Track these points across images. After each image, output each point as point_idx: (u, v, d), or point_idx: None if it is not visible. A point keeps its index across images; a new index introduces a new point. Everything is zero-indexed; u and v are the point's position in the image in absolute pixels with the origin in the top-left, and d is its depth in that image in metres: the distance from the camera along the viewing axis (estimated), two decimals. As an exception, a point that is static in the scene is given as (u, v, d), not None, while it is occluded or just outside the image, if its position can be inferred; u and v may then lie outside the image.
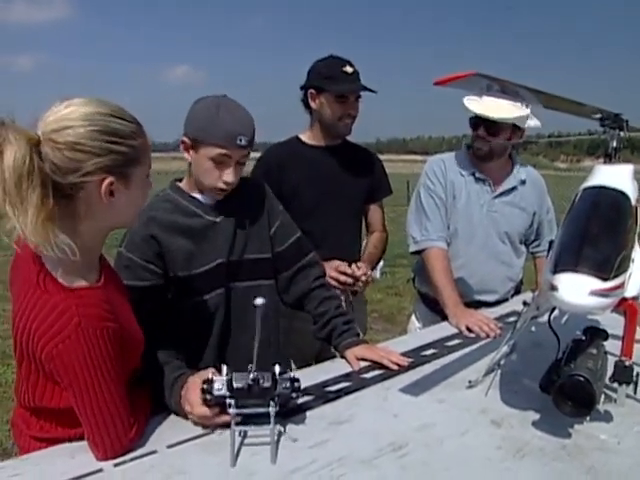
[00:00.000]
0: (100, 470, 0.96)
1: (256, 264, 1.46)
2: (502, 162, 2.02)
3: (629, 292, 1.08)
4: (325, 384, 1.32)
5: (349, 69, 1.87)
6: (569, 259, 1.00)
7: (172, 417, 1.16)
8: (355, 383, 1.33)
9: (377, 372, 1.39)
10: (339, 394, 1.27)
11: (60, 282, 0.92)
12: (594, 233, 1.05)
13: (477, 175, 2.00)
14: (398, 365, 1.40)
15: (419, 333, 1.77)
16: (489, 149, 1.94)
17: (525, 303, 1.41)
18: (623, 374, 1.11)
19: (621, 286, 1.01)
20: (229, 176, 1.34)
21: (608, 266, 0.99)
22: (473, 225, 2.00)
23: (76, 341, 0.89)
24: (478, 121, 1.91)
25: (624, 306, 1.09)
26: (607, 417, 1.15)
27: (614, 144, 1.25)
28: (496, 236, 2.02)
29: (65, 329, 0.88)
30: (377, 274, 7.39)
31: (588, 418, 1.08)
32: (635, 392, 1.14)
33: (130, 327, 1.05)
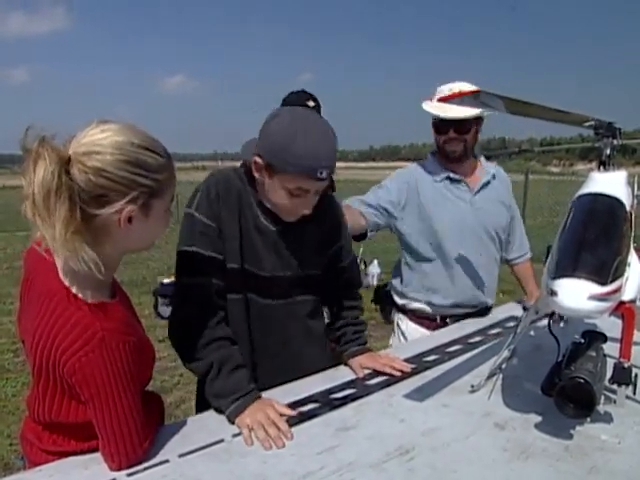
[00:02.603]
0: (113, 480, 0.98)
1: (305, 280, 1.44)
2: (470, 160, 2.03)
3: (626, 296, 1.11)
4: (330, 391, 1.34)
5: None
6: (568, 265, 1.03)
7: (181, 425, 1.18)
8: (360, 390, 1.35)
9: (381, 378, 1.41)
10: (345, 401, 1.29)
11: (81, 297, 0.94)
12: (591, 239, 1.08)
13: (452, 177, 1.99)
14: (401, 371, 1.42)
15: (420, 339, 1.79)
16: (463, 148, 1.94)
17: (525, 308, 1.44)
18: (622, 375, 1.14)
19: (618, 290, 1.04)
20: (306, 208, 1.30)
21: (605, 271, 1.02)
22: (462, 227, 1.96)
23: (99, 355, 0.91)
24: (445, 124, 1.90)
25: (621, 309, 1.12)
26: (607, 418, 1.18)
27: (608, 152, 1.28)
28: (485, 233, 2.00)
29: (89, 343, 0.90)
30: (374, 281, 7.40)
31: (589, 419, 1.11)
32: (634, 393, 1.17)
33: (143, 341, 1.07)
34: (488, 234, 2.01)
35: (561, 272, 1.03)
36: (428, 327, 2.03)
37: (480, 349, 1.62)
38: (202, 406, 1.33)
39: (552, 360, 1.22)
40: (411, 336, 2.06)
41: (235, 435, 1.14)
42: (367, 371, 1.44)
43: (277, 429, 1.12)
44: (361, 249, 7.33)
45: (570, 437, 1.11)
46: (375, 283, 6.95)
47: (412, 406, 1.26)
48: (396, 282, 2.14)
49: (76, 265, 0.88)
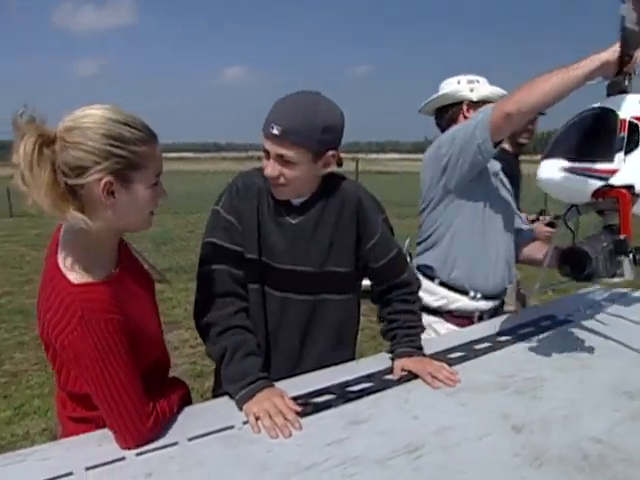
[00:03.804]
0: (123, 458, 1.00)
1: (325, 277, 1.41)
2: None
3: (619, 180, 1.29)
4: (347, 384, 1.32)
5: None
6: (548, 150, 1.36)
7: (194, 410, 1.20)
8: (377, 384, 1.33)
9: (402, 374, 1.38)
10: (360, 394, 1.27)
11: (68, 278, 0.98)
12: (570, 132, 1.36)
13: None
14: (444, 383, 1.31)
15: (447, 336, 1.74)
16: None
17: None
18: (621, 246, 1.28)
19: (592, 170, 1.29)
20: (267, 168, 1.29)
21: (575, 150, 1.31)
22: (507, 214, 1.87)
23: (82, 333, 0.95)
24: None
25: (614, 193, 1.29)
26: (635, 430, 1.11)
27: (626, 83, 1.37)
28: (512, 209, 1.93)
29: (71, 322, 0.95)
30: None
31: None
32: (635, 263, 1.29)
33: (144, 318, 1.10)
34: (513, 210, 1.98)
35: (542, 157, 1.36)
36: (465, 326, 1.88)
37: (508, 349, 1.56)
38: (219, 392, 1.35)
39: (580, 364, 1.17)
40: None
41: (245, 422, 1.14)
42: (403, 373, 1.37)
43: (284, 418, 1.12)
44: (407, 241, 7.25)
45: (592, 446, 1.06)
46: (421, 276, 6.85)
47: (428, 403, 1.23)
48: (430, 283, 1.92)
49: (69, 225, 0.97)
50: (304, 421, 1.14)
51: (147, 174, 1.03)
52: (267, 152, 1.29)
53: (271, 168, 1.29)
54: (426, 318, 1.86)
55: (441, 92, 1.97)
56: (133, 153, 0.98)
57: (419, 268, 1.95)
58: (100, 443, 1.05)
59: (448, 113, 1.97)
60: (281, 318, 1.42)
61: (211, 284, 1.35)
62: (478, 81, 1.95)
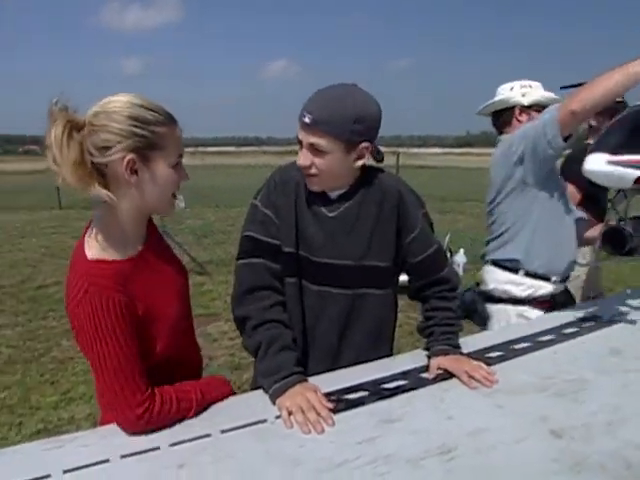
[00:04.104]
0: (157, 448, 1.02)
1: (365, 270, 1.39)
2: None
3: None
4: (381, 381, 1.31)
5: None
6: (593, 146, 1.57)
7: (228, 402, 1.21)
8: (412, 382, 1.31)
9: (437, 372, 1.35)
10: (395, 392, 1.26)
11: (86, 254, 1.06)
12: (614, 128, 1.57)
13: None
14: (481, 383, 1.29)
15: (484, 335, 1.70)
16: None
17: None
18: None
19: (633, 161, 1.48)
20: (299, 158, 1.30)
21: (617, 144, 1.51)
22: (563, 190, 1.99)
23: (84, 307, 1.01)
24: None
25: None
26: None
27: None
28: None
29: (77, 295, 1.02)
30: (460, 271, 7.20)
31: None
32: None
33: (162, 302, 1.14)
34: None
35: (589, 150, 1.56)
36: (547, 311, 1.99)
37: (548, 349, 1.51)
38: (256, 385, 1.36)
39: (624, 367, 1.12)
40: None
41: (278, 417, 1.14)
42: (439, 372, 1.35)
43: (316, 414, 1.12)
44: (447, 237, 7.15)
45: (636, 454, 1.01)
46: (461, 272, 6.76)
47: (464, 404, 1.21)
48: (514, 275, 2.01)
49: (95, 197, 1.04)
50: (336, 417, 1.13)
51: (167, 154, 1.09)
52: (301, 142, 1.30)
53: (303, 157, 1.30)
54: (515, 309, 2.00)
55: (497, 98, 2.15)
56: (153, 133, 1.05)
57: (496, 263, 2.06)
58: (135, 433, 1.07)
59: (503, 116, 2.14)
60: (319, 312, 1.42)
61: (247, 277, 1.37)
62: (531, 86, 2.09)
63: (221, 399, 1.22)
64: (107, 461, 0.99)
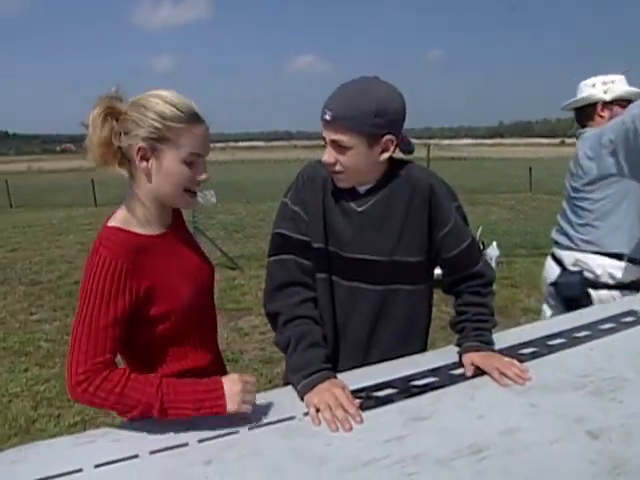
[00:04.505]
0: (185, 444, 1.03)
1: (395, 266, 1.37)
2: None
3: None
4: (411, 378, 1.29)
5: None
6: None
7: (257, 398, 1.21)
8: (442, 379, 1.29)
9: (468, 369, 1.32)
10: (424, 389, 1.24)
11: (107, 223, 1.17)
12: None
13: None
14: (513, 381, 1.24)
15: (516, 331, 1.65)
16: None
17: None
18: None
19: None
20: (324, 155, 1.31)
21: None
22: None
23: (90, 263, 1.10)
24: None
25: None
26: None
27: None
28: None
29: (91, 253, 1.12)
30: (492, 264, 7.10)
31: None
32: None
33: (174, 283, 1.18)
34: None
35: None
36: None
37: (585, 345, 1.45)
38: (287, 381, 1.35)
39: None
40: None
41: (306, 413, 1.14)
42: (470, 368, 1.31)
43: (344, 411, 1.11)
44: (480, 229, 7.04)
45: (680, 457, 0.97)
46: (493, 266, 6.65)
47: (496, 402, 1.17)
48: (619, 262, 2.16)
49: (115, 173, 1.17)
50: (364, 415, 1.12)
51: (179, 149, 1.14)
52: (324, 139, 1.29)
53: (327, 155, 1.29)
54: (619, 294, 2.14)
55: (579, 96, 2.30)
56: (167, 128, 1.12)
57: (597, 250, 2.18)
58: (165, 429, 1.08)
59: (585, 112, 2.30)
60: (349, 308, 1.40)
61: (278, 273, 1.37)
62: (613, 82, 2.21)
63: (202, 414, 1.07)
64: (136, 456, 0.99)
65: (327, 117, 1.24)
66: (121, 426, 1.12)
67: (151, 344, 1.19)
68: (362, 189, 1.36)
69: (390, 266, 1.37)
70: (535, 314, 4.94)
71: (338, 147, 1.26)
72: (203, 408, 1.05)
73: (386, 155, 1.30)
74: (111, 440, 1.06)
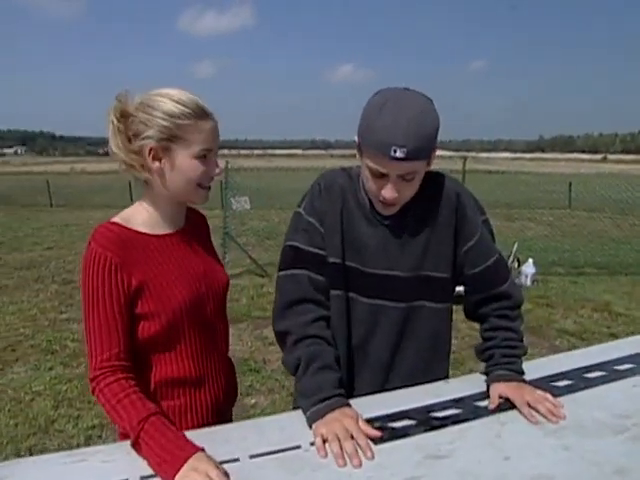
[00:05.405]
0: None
1: (420, 282, 1.28)
2: None
3: None
4: (431, 409, 1.18)
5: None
6: None
7: (262, 423, 1.13)
8: (466, 411, 1.18)
9: (497, 401, 1.20)
10: (445, 422, 1.13)
11: (113, 217, 1.17)
12: None
13: None
14: (545, 418, 1.13)
15: (551, 359, 1.52)
16: None
17: None
18: None
19: None
20: (387, 192, 1.17)
21: None
22: None
23: (83, 259, 1.11)
24: None
25: None
26: None
27: None
28: None
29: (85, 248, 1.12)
30: (528, 282, 6.91)
31: None
32: None
33: (164, 280, 1.15)
34: None
35: None
36: None
37: (628, 380, 1.32)
38: (296, 405, 1.26)
39: None
40: None
41: (312, 443, 1.05)
42: (499, 401, 1.20)
43: (354, 444, 1.01)
44: (515, 245, 6.82)
45: None
46: (529, 284, 6.43)
47: (524, 442, 1.06)
48: None
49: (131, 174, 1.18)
50: (377, 449, 1.02)
51: (189, 145, 1.13)
52: (382, 174, 1.16)
53: (392, 190, 1.17)
54: None
55: None
56: (176, 125, 1.11)
57: None
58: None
59: None
60: (370, 327, 1.31)
61: (289, 289, 1.28)
62: None
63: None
64: (126, 481, 0.92)
65: (399, 155, 1.10)
66: (115, 446, 1.05)
67: (136, 344, 1.13)
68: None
69: (415, 281, 1.28)
70: (571, 336, 4.74)
71: (404, 180, 1.16)
72: (163, 463, 0.94)
73: (429, 167, 1.23)
74: (101, 460, 0.99)
